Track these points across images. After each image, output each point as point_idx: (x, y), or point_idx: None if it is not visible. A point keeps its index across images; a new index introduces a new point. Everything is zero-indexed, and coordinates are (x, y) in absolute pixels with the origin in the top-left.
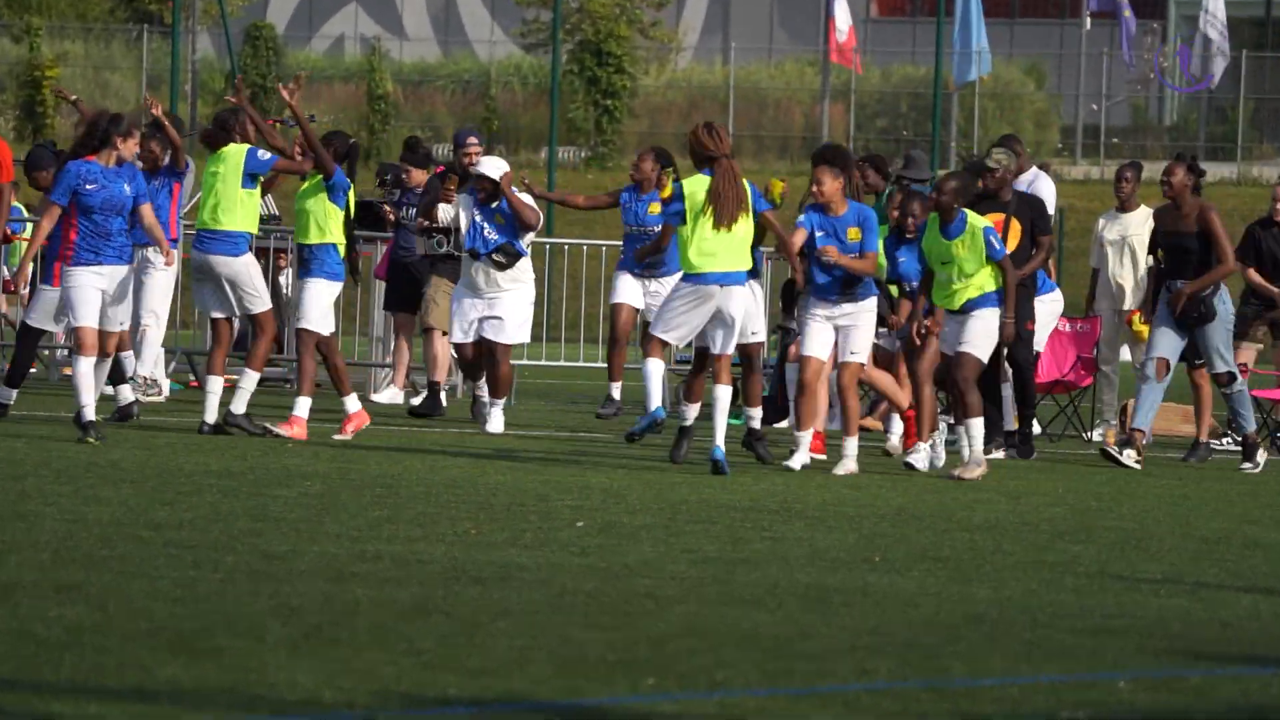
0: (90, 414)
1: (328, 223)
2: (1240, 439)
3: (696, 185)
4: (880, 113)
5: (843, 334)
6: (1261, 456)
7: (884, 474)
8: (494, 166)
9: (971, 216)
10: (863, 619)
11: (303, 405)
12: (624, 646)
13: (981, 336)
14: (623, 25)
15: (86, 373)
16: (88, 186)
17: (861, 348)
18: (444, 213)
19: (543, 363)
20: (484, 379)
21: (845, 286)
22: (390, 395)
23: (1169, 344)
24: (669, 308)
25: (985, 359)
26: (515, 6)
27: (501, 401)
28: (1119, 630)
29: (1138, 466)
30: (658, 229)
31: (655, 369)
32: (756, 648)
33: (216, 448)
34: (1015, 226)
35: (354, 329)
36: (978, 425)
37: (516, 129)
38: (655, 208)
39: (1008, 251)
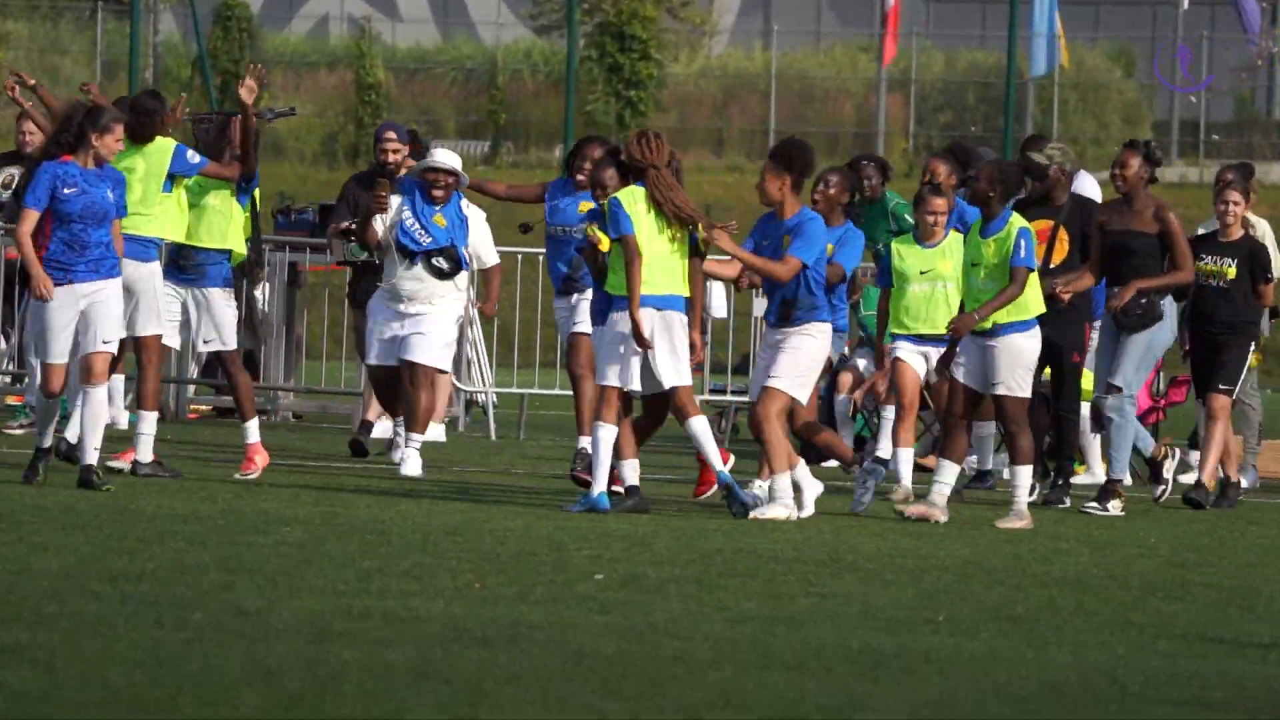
0: (46, 442)
1: (228, 226)
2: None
3: (633, 198)
4: (944, 105)
5: (769, 357)
6: (1116, 506)
7: (948, 522)
8: (454, 159)
9: (1014, 217)
10: (924, 688)
11: (252, 430)
12: (650, 718)
13: (1016, 369)
14: (648, 5)
15: (50, 410)
16: (65, 191)
17: (783, 372)
18: (379, 225)
19: (556, 392)
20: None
21: (783, 309)
22: (384, 429)
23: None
24: (613, 351)
25: (1027, 393)
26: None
27: (420, 438)
28: (1220, 703)
29: (1119, 513)
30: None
31: (611, 435)
32: (798, 717)
33: (182, 489)
34: (1063, 235)
35: (342, 352)
36: (1025, 473)
37: (526, 123)
38: (586, 206)
39: (1052, 264)
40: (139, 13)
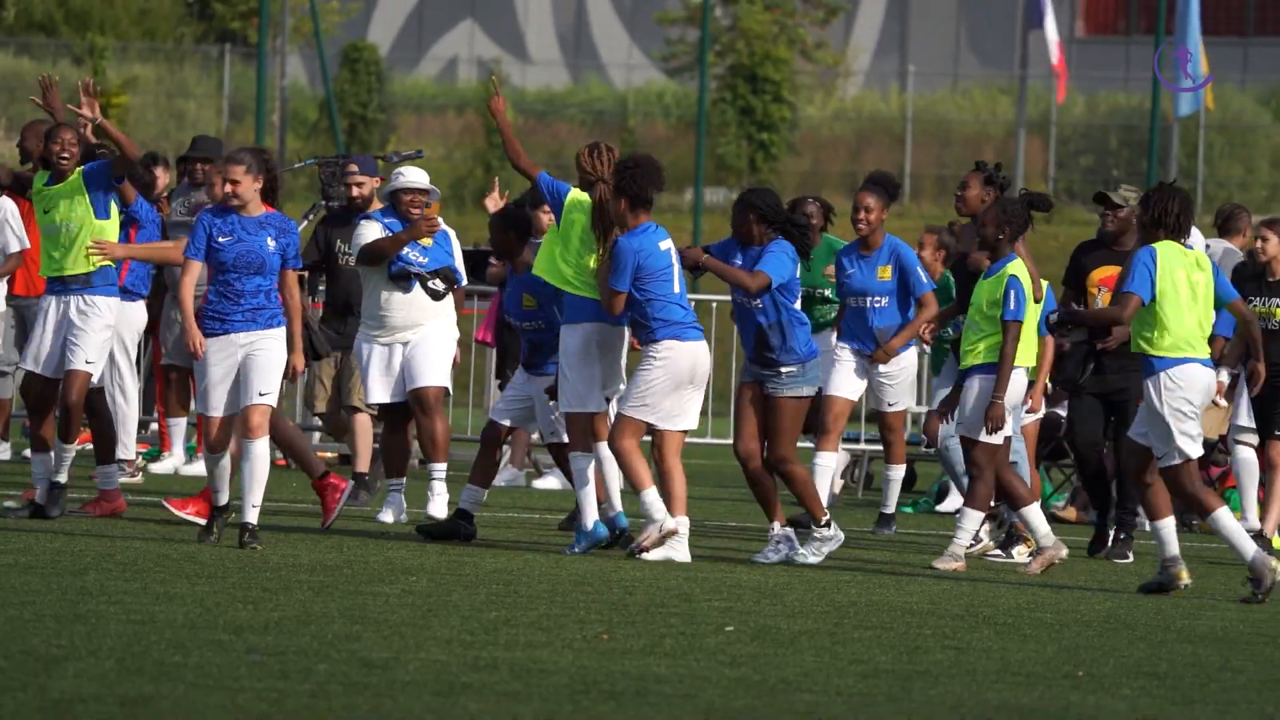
0: (222, 500)
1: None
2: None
3: (580, 199)
4: (1085, 149)
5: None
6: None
7: (1088, 575)
8: (423, 176)
9: (1012, 264)
10: None
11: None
12: None
13: (973, 412)
14: (782, 47)
15: (223, 466)
16: (220, 239)
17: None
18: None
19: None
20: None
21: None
22: (510, 476)
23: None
24: (587, 376)
25: (979, 438)
26: (656, 25)
27: (443, 468)
28: None
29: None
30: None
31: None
32: None
33: (308, 538)
34: None
35: (467, 400)
36: (971, 517)
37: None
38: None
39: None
40: (265, 56)
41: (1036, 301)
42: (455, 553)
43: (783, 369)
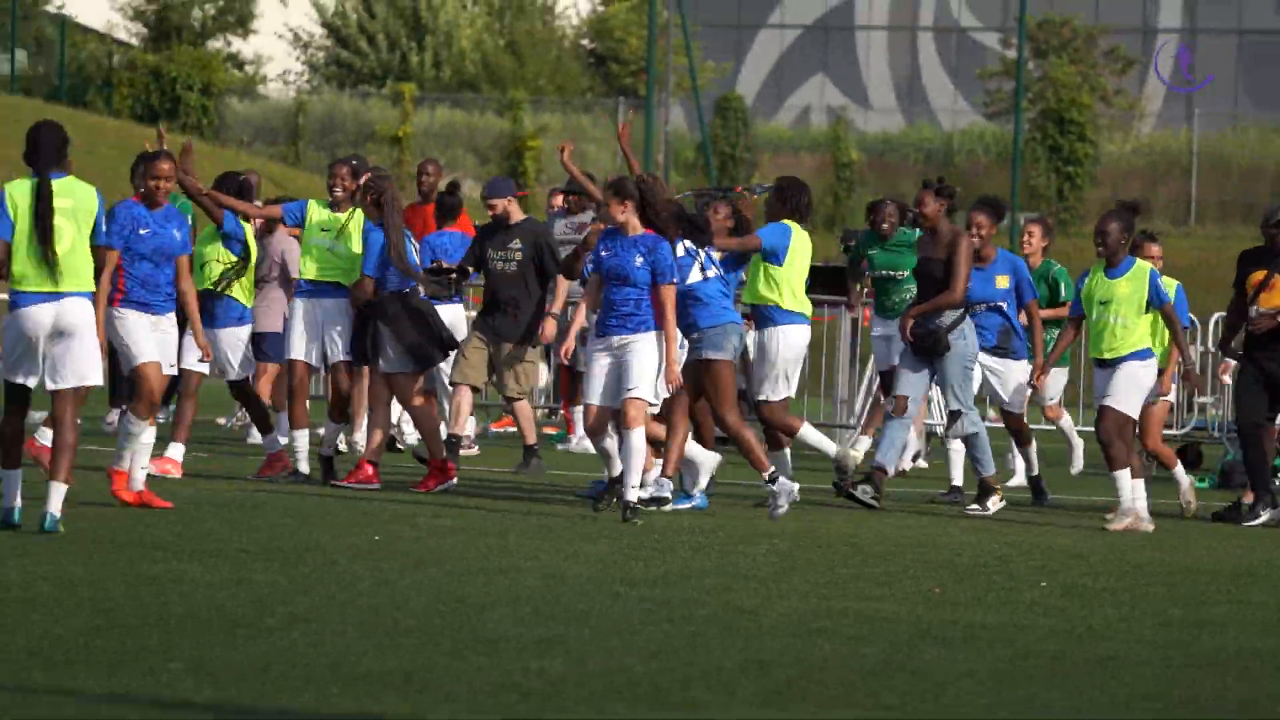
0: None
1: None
2: (979, 481)
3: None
4: None
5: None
6: (994, 502)
7: None
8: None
9: (1139, 261)
10: None
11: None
12: (1089, 710)
13: (1126, 390)
14: (1085, 94)
15: (607, 446)
16: (603, 254)
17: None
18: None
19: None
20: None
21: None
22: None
23: (910, 381)
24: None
25: (1131, 413)
26: (977, 78)
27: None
28: None
29: (875, 504)
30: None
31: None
32: (1221, 713)
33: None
34: (1276, 282)
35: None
36: (1123, 477)
37: (979, 195)
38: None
39: (1261, 306)
40: (653, 107)
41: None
42: (808, 518)
43: (690, 337)
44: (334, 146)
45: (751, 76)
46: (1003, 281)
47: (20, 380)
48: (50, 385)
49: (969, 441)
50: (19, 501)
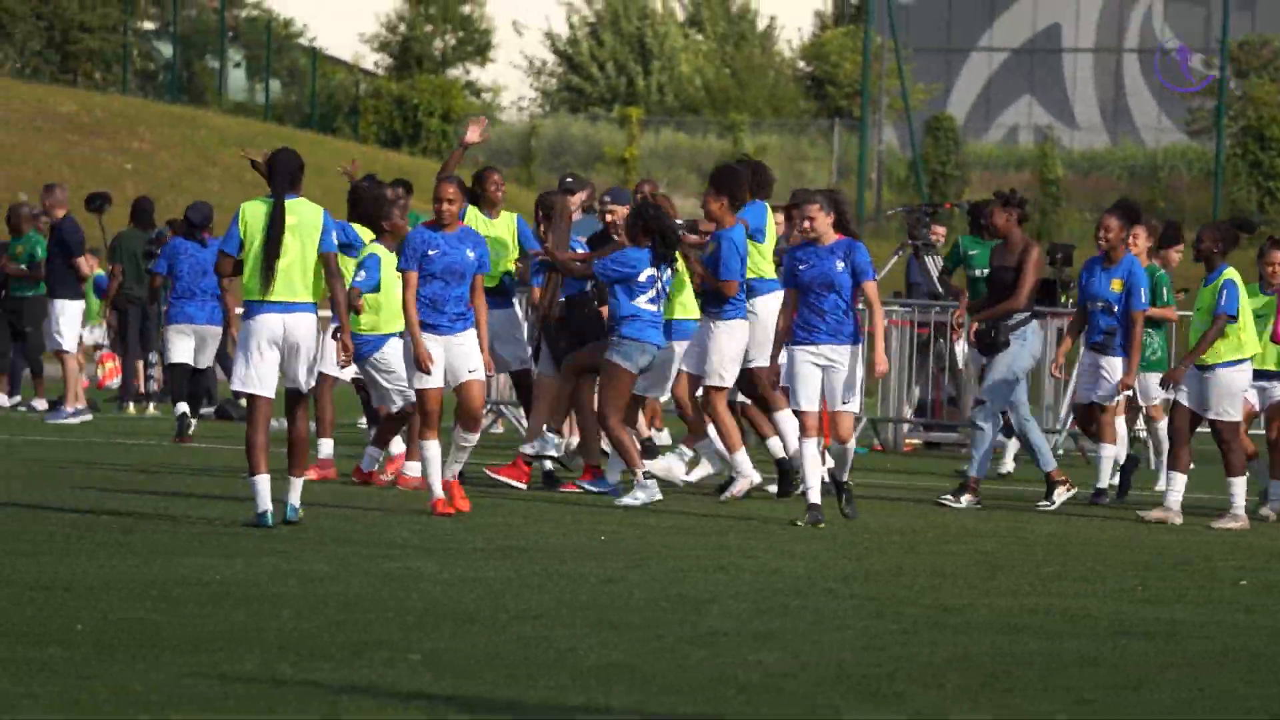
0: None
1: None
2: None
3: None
4: None
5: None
6: (1061, 494)
7: None
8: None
9: (1228, 269)
10: None
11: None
12: None
13: (1218, 399)
14: None
15: (812, 454)
16: (800, 267)
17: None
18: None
19: None
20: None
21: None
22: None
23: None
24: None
25: (1234, 418)
26: (1180, 98)
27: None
28: None
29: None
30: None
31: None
32: None
33: (899, 507)
34: None
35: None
36: (1238, 484)
37: (1181, 209)
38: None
39: None
40: (867, 127)
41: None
42: (1013, 520)
43: (610, 337)
44: (564, 168)
45: (962, 97)
46: (1117, 285)
47: (252, 390)
48: (287, 386)
49: (973, 437)
50: (269, 505)
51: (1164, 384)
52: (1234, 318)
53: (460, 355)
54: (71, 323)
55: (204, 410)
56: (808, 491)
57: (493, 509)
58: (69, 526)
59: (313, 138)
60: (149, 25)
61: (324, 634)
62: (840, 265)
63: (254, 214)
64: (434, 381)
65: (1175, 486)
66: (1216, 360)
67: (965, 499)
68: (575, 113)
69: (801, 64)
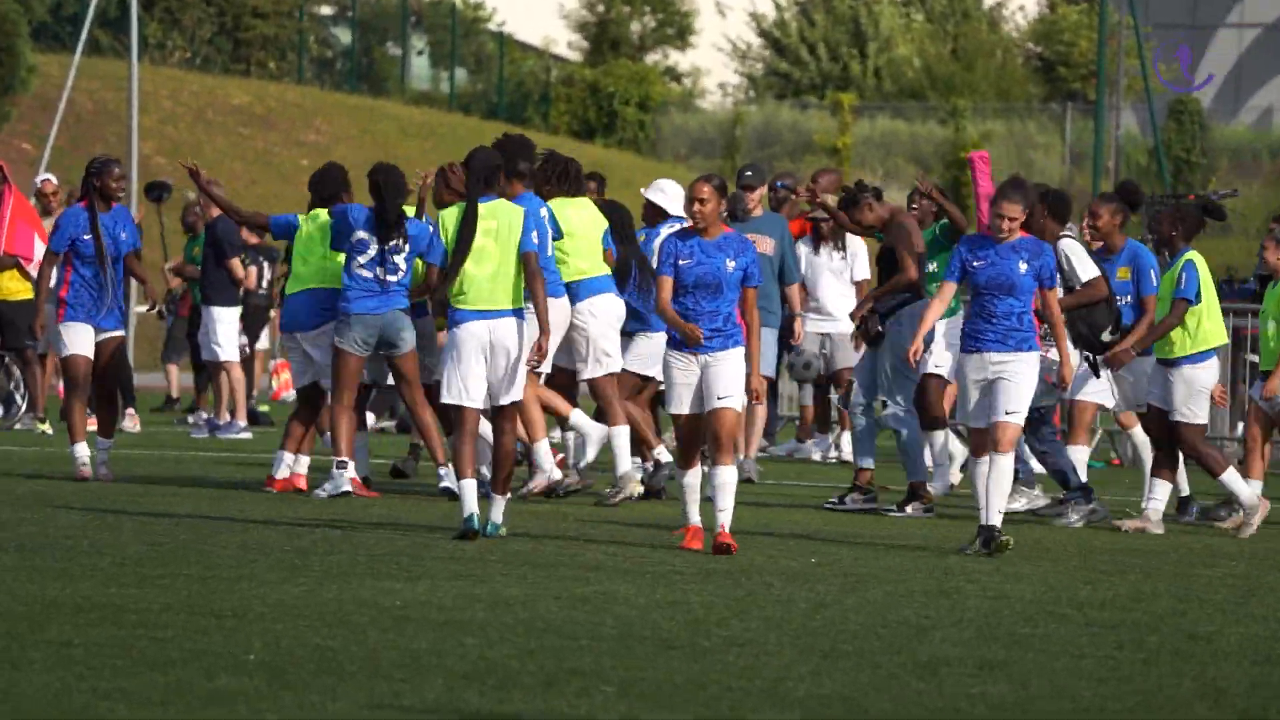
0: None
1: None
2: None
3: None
4: None
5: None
6: (915, 508)
7: None
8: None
9: (1190, 252)
10: None
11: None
12: None
13: (1182, 399)
14: None
15: (982, 474)
16: (975, 264)
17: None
18: None
19: None
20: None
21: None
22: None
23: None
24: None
25: (1198, 420)
26: None
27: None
28: None
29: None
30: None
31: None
32: None
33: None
34: None
35: None
36: (1227, 478)
37: None
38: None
39: None
40: (1103, 110)
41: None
42: (1271, 540)
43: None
44: (771, 159)
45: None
46: (1124, 274)
47: (455, 401)
48: (491, 402)
49: (897, 442)
50: (476, 508)
51: (1107, 363)
52: (1192, 302)
53: (712, 377)
54: (229, 330)
55: (384, 423)
56: (983, 514)
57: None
58: (238, 549)
59: (501, 128)
60: (326, 10)
61: (513, 662)
62: (1024, 267)
63: (451, 219)
64: (678, 407)
65: (1157, 494)
66: (1182, 354)
67: (911, 508)
68: (782, 99)
69: (1030, 44)
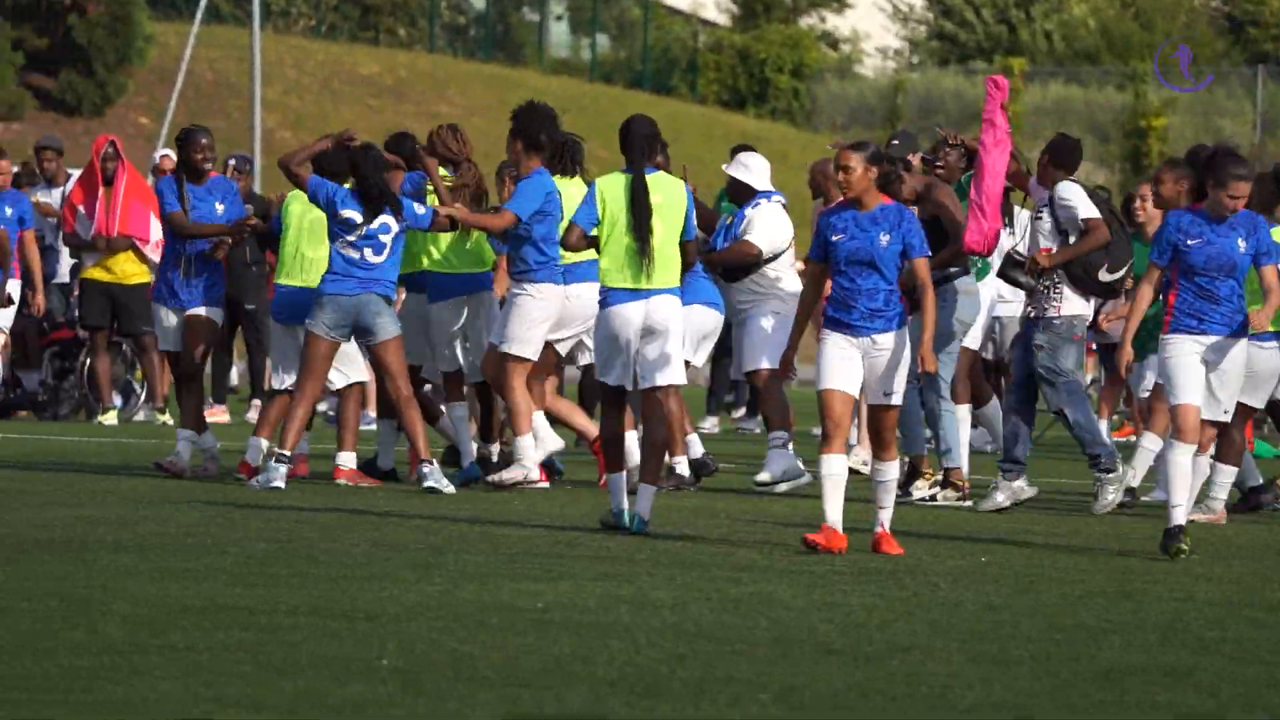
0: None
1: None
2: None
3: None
4: None
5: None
6: (920, 488)
7: None
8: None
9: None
10: None
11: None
12: None
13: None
14: None
15: (1183, 464)
16: (1190, 242)
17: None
18: None
19: None
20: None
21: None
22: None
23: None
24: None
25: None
26: None
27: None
28: None
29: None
30: None
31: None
32: None
33: None
34: None
35: None
36: (1225, 473)
37: None
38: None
39: None
40: None
41: None
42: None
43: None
44: (935, 128)
45: None
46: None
47: (611, 381)
48: (641, 384)
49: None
50: (626, 503)
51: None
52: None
53: (875, 369)
54: None
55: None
56: (1171, 510)
57: (846, 530)
58: (369, 546)
59: (646, 99)
60: None
61: (661, 667)
62: (1242, 245)
63: (613, 191)
64: (829, 381)
65: (1220, 481)
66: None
67: (947, 494)
68: (946, 65)
69: (1217, 1)
